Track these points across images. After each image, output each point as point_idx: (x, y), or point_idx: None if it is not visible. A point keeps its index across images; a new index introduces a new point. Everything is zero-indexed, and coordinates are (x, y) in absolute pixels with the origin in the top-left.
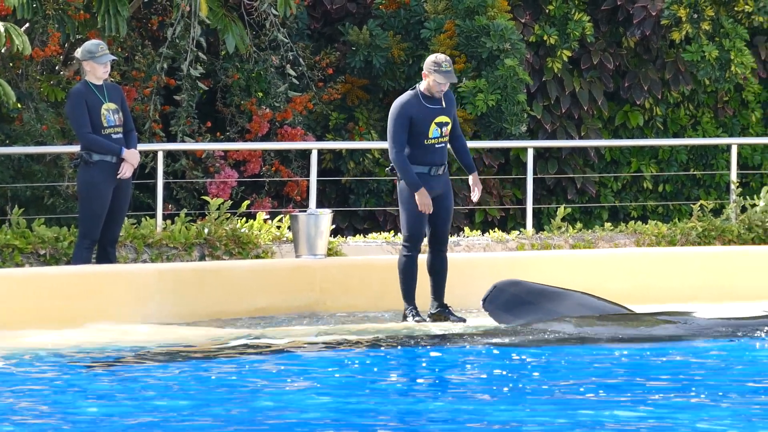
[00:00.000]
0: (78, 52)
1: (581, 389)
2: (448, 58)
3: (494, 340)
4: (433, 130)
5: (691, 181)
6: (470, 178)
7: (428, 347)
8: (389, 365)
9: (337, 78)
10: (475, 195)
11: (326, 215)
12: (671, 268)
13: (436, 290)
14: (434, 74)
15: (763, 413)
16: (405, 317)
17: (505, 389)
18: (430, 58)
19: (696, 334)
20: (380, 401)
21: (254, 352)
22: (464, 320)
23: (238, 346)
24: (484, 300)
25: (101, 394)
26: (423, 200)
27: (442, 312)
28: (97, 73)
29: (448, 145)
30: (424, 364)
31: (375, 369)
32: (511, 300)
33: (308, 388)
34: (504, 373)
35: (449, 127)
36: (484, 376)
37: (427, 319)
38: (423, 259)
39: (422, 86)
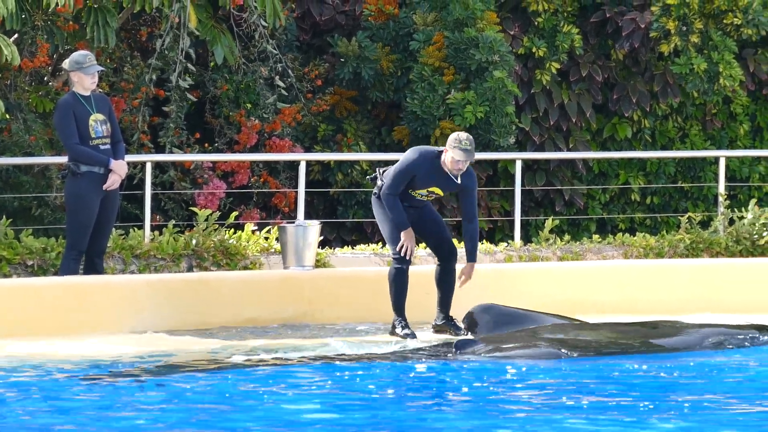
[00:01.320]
0: (66, 63)
1: (559, 401)
2: (470, 137)
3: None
4: (423, 192)
5: (679, 194)
6: (465, 266)
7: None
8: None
9: (326, 89)
10: (459, 283)
11: (314, 227)
12: (659, 280)
13: (441, 302)
14: (453, 150)
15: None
16: (394, 329)
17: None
18: (452, 136)
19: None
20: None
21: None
22: (461, 330)
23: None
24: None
25: (92, 406)
26: (407, 241)
27: (447, 324)
28: (85, 83)
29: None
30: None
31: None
32: (486, 325)
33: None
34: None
35: (436, 196)
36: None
37: (431, 329)
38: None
39: (444, 158)
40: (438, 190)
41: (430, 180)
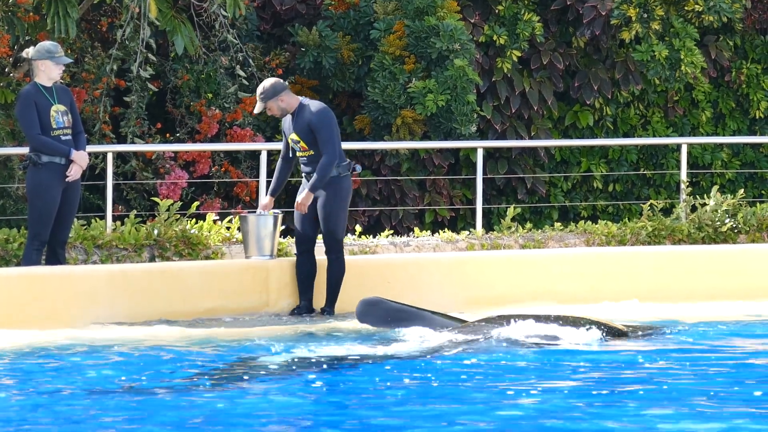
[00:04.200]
0: (31, 51)
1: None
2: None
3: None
4: (293, 144)
5: (641, 181)
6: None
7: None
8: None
9: (287, 79)
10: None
11: (275, 216)
12: (621, 267)
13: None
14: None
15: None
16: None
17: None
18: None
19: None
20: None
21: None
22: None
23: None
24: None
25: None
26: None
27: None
28: (52, 74)
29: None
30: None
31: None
32: (376, 316)
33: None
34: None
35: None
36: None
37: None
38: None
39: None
40: (295, 136)
41: (288, 130)
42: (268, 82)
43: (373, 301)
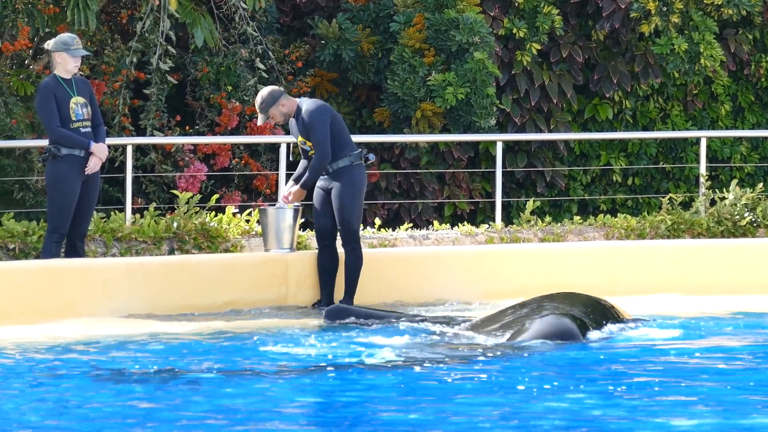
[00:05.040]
0: (50, 44)
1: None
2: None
3: None
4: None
5: (660, 175)
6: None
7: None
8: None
9: (307, 71)
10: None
11: (295, 209)
12: (640, 261)
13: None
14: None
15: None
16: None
17: None
18: None
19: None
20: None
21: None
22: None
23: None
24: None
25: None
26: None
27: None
28: (68, 66)
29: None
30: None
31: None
32: (343, 325)
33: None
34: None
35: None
36: None
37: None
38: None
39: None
40: (301, 137)
41: (295, 133)
42: (264, 91)
43: (337, 310)
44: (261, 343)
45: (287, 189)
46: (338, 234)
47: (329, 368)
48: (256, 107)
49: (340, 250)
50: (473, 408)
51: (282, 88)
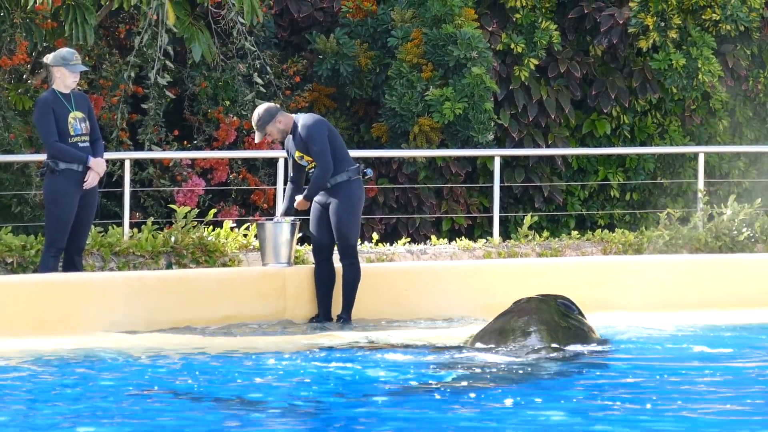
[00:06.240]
0: (49, 58)
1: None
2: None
3: None
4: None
5: (658, 190)
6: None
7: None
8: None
9: (305, 86)
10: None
11: (293, 223)
12: (638, 276)
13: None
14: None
15: None
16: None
17: None
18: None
19: None
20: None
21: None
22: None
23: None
24: None
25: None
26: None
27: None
28: (67, 81)
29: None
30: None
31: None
32: None
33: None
34: None
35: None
36: None
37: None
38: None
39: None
40: (298, 153)
41: (292, 149)
42: (261, 108)
43: None
44: (258, 358)
45: (282, 208)
46: (336, 248)
47: (325, 400)
48: (253, 125)
49: (338, 265)
50: None
51: (278, 105)
